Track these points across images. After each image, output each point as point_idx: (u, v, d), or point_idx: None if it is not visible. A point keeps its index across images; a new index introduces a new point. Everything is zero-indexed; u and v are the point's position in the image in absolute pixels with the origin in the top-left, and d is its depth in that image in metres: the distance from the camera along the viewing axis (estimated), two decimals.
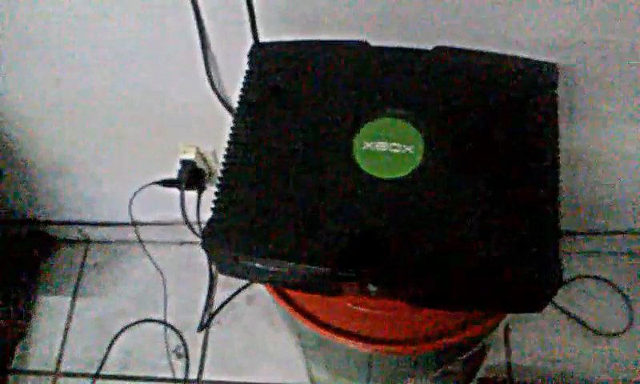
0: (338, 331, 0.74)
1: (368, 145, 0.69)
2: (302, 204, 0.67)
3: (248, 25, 0.79)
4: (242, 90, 0.74)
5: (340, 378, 0.98)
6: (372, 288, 0.67)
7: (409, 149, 0.68)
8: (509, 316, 0.80)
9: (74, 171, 1.25)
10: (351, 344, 0.74)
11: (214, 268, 1.33)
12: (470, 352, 0.81)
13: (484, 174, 0.67)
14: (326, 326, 0.74)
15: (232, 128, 0.72)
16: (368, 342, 0.73)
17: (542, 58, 0.73)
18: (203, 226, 0.68)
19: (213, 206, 0.68)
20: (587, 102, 0.90)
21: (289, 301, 0.77)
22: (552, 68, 0.72)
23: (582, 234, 1.26)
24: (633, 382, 1.20)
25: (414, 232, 0.64)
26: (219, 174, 0.70)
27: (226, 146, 0.71)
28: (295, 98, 0.73)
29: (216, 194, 0.69)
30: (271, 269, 0.66)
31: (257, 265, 0.66)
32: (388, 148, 0.68)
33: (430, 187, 0.66)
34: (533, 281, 0.61)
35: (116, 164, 1.21)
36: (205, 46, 0.87)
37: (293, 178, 0.68)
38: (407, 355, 0.76)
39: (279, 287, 0.76)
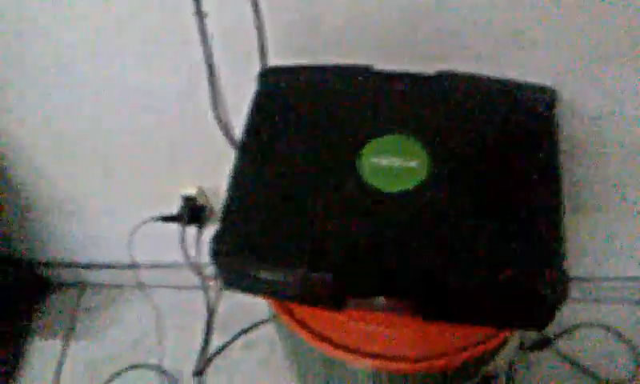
0: (339, 346, 0.72)
1: (374, 160, 0.70)
2: (308, 216, 0.67)
3: (255, 58, 0.81)
4: (251, 109, 0.76)
5: None
6: (377, 301, 0.66)
7: (414, 164, 0.69)
8: (513, 344, 0.79)
9: (69, 211, 1.24)
10: (354, 360, 0.72)
11: (212, 311, 1.31)
12: (476, 379, 0.79)
13: (487, 189, 0.68)
14: (328, 341, 0.73)
15: (241, 143, 0.73)
16: (370, 357, 0.72)
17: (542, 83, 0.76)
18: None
19: (221, 217, 0.68)
20: (588, 135, 0.92)
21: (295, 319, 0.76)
22: (551, 91, 0.75)
23: (587, 280, 1.25)
24: None
25: (419, 244, 0.64)
26: (227, 187, 0.70)
27: (235, 160, 0.72)
28: (302, 118, 0.75)
29: (224, 206, 0.69)
30: (277, 279, 0.65)
31: (262, 275, 0.66)
32: (393, 162, 0.69)
33: (435, 200, 0.67)
34: (537, 292, 0.61)
35: (114, 202, 1.21)
36: (213, 80, 0.89)
37: (300, 192, 0.69)
38: (410, 373, 0.74)
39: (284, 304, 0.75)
